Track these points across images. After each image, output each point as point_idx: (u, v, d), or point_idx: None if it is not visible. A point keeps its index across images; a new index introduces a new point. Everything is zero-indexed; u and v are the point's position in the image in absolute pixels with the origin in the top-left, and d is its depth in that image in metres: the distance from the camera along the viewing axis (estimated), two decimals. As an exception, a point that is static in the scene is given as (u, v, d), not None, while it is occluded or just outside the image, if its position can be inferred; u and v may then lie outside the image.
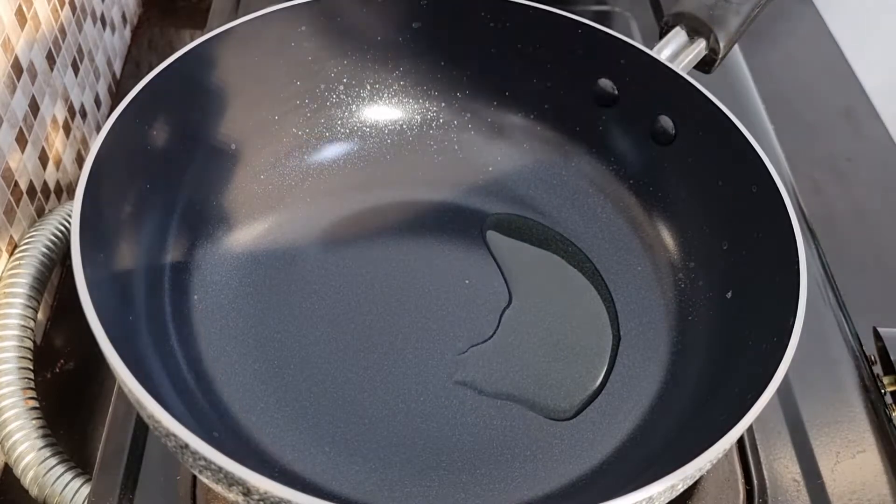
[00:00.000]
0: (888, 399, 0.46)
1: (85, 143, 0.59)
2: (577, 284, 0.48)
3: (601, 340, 0.45)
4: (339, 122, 0.52)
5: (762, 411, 0.33)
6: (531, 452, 0.41)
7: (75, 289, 0.33)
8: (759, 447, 0.43)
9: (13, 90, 0.47)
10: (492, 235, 0.50)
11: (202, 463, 0.30)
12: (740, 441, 0.43)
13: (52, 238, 0.48)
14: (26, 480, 0.42)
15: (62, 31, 0.55)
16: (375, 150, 0.52)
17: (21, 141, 0.48)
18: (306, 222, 0.49)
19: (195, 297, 0.44)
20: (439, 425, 0.41)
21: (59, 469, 0.42)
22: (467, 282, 0.47)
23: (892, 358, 0.45)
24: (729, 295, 0.43)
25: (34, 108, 0.50)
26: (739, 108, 0.51)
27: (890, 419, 0.45)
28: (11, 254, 0.47)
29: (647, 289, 0.47)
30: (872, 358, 0.47)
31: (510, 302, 0.47)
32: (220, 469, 0.30)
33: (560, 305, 0.47)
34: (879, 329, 0.46)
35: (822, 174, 0.63)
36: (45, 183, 0.52)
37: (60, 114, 0.54)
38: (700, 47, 0.49)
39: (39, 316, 0.49)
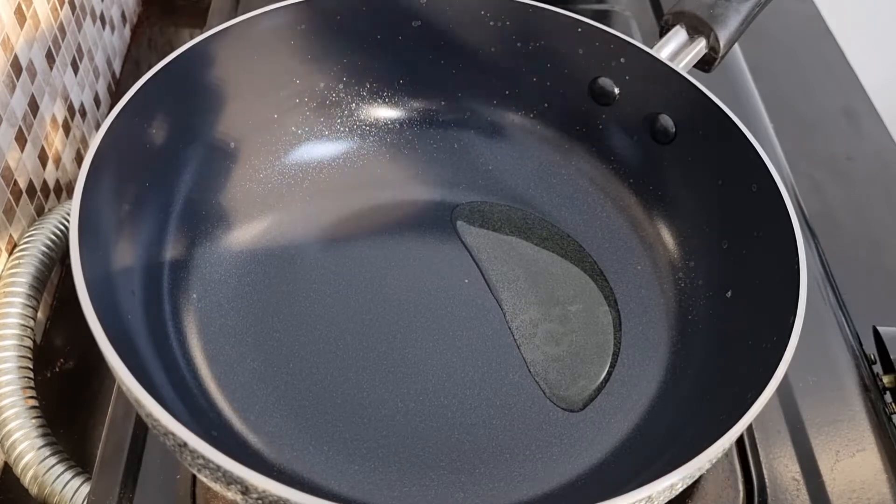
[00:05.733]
0: (888, 398, 0.46)
1: (84, 142, 0.59)
2: (578, 283, 0.48)
3: (601, 339, 0.45)
4: (339, 121, 0.52)
5: (762, 410, 0.33)
6: (530, 452, 0.41)
7: (75, 288, 0.33)
8: (758, 446, 0.43)
9: (12, 89, 0.47)
10: (491, 234, 0.50)
11: (201, 462, 0.30)
12: (740, 440, 0.43)
13: (52, 237, 0.48)
14: (26, 479, 0.42)
15: (62, 29, 0.55)
16: (375, 149, 0.52)
17: (20, 140, 0.48)
18: (305, 221, 0.49)
19: (194, 295, 0.44)
20: (438, 425, 0.41)
21: (59, 468, 0.42)
22: (467, 281, 0.47)
23: (891, 357, 0.45)
24: (729, 294, 0.43)
25: (33, 106, 0.50)
26: (739, 108, 0.50)
27: (889, 418, 0.45)
28: (11, 253, 0.47)
29: (647, 288, 0.47)
30: (872, 357, 0.47)
31: (510, 300, 0.47)
32: (219, 468, 0.30)
33: (560, 304, 0.47)
34: (879, 328, 0.46)
35: (822, 174, 0.63)
36: (44, 182, 0.52)
37: (60, 113, 0.54)
38: (700, 46, 0.49)
39: (39, 315, 0.49)
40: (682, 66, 0.48)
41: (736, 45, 0.61)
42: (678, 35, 0.49)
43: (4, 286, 0.45)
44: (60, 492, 0.41)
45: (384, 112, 0.53)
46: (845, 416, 0.44)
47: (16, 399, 0.43)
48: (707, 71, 0.50)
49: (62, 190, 0.55)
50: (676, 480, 0.31)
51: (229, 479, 0.30)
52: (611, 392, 0.43)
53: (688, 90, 0.46)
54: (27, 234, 0.48)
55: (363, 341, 0.44)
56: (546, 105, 0.52)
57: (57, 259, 0.48)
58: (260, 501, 0.30)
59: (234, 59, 0.46)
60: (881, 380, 0.46)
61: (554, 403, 0.43)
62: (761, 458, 0.42)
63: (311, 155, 0.51)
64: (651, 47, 0.48)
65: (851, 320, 0.50)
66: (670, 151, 0.48)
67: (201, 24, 0.65)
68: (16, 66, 0.48)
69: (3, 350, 0.44)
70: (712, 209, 0.46)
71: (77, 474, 0.42)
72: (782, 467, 0.42)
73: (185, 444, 0.30)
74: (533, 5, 0.49)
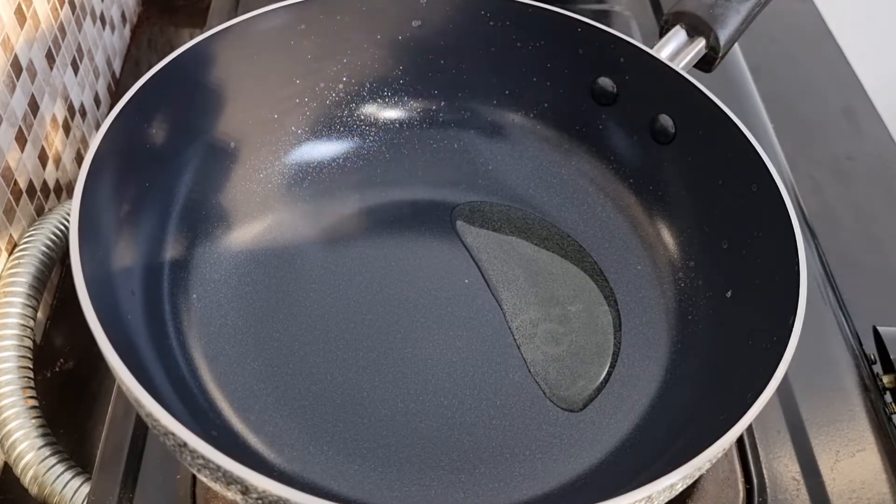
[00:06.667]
0: (888, 398, 0.46)
1: (84, 142, 0.59)
2: (578, 283, 0.48)
3: (601, 339, 0.45)
4: (339, 121, 0.52)
5: (762, 410, 0.33)
6: (530, 452, 0.41)
7: (75, 288, 0.33)
8: (758, 446, 0.43)
9: (13, 89, 0.47)
10: (491, 234, 0.50)
11: (200, 461, 0.30)
12: (740, 440, 0.43)
13: (52, 237, 0.48)
14: (26, 479, 0.42)
15: (62, 29, 0.55)
16: (375, 149, 0.52)
17: (20, 140, 0.48)
18: (305, 221, 0.49)
19: (194, 295, 0.44)
20: (439, 425, 0.41)
21: (59, 468, 0.42)
22: (467, 281, 0.47)
23: (891, 357, 0.45)
24: (729, 294, 0.43)
25: (34, 106, 0.50)
26: (739, 108, 0.51)
27: (889, 418, 0.45)
28: (11, 253, 0.47)
29: (647, 288, 0.47)
30: (872, 357, 0.47)
31: (510, 300, 0.47)
32: (219, 468, 0.30)
33: (560, 304, 0.47)
34: (879, 328, 0.46)
35: (822, 174, 0.63)
36: (44, 182, 0.52)
37: (60, 113, 0.54)
38: (700, 46, 0.49)
39: (39, 315, 0.49)
40: (682, 66, 0.48)
41: (736, 45, 0.61)
42: (678, 35, 0.49)
43: (4, 286, 0.45)
44: (60, 492, 0.41)
45: (384, 112, 0.53)
46: (845, 416, 0.44)
47: (16, 399, 0.43)
48: (707, 71, 0.50)
49: (62, 190, 0.55)
50: (676, 480, 0.31)
51: (229, 479, 0.30)
52: (611, 392, 0.43)
53: (688, 90, 0.46)
54: (27, 234, 0.48)
55: (363, 341, 0.44)
56: (546, 105, 0.52)
57: (57, 259, 0.48)
58: (260, 501, 0.30)
59: (233, 60, 0.46)
60: (881, 380, 0.46)
61: (554, 403, 0.43)
62: (761, 458, 0.42)
63: (311, 155, 0.51)
64: (651, 47, 0.48)
65: (851, 320, 0.50)
66: (670, 151, 0.48)
67: (201, 24, 0.65)
68: (16, 66, 0.48)
69: (3, 350, 0.44)
70: (712, 209, 0.46)
71: (77, 474, 0.42)
72: (782, 467, 0.42)
73: (185, 444, 0.30)
74: (533, 5, 0.49)
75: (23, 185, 0.49)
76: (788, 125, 0.64)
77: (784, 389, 0.45)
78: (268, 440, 0.40)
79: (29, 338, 0.45)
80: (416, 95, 0.53)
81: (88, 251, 0.35)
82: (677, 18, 0.49)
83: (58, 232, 0.48)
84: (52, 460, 0.42)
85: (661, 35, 0.49)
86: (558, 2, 0.50)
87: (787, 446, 0.43)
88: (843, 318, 0.49)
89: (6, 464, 0.44)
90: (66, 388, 0.50)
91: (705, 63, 0.50)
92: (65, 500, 0.41)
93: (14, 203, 0.48)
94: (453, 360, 0.44)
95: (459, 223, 0.50)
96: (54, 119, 0.53)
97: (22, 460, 0.42)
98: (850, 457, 0.43)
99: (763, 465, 0.42)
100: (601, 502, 0.29)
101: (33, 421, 0.43)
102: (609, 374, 0.44)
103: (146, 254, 0.42)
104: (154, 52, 0.71)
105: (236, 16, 0.47)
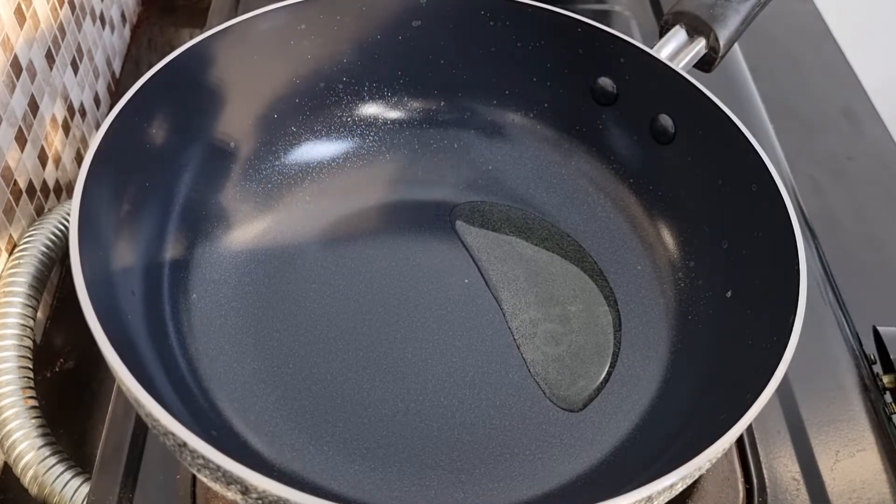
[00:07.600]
0: (888, 398, 0.46)
1: (84, 142, 0.59)
2: (578, 283, 0.48)
3: (601, 339, 0.45)
4: (339, 121, 0.52)
5: (762, 410, 0.33)
6: (530, 451, 0.41)
7: (75, 288, 0.33)
8: (758, 446, 0.43)
9: (12, 89, 0.47)
10: (491, 234, 0.50)
11: (200, 461, 0.30)
12: (740, 440, 0.43)
13: (52, 237, 0.48)
14: (26, 479, 0.42)
15: (61, 29, 0.55)
16: (375, 149, 0.52)
17: (20, 140, 0.48)
18: (305, 221, 0.49)
19: (194, 295, 0.44)
20: (438, 425, 0.41)
21: (59, 468, 0.42)
22: (467, 281, 0.47)
23: (891, 357, 0.45)
24: (729, 294, 0.43)
25: (33, 106, 0.50)
26: (739, 108, 0.51)
27: (889, 418, 0.45)
28: (11, 253, 0.47)
29: (646, 288, 0.47)
30: (872, 357, 0.47)
31: (510, 300, 0.47)
32: (219, 468, 0.30)
33: (560, 304, 0.47)
34: (879, 328, 0.46)
35: (822, 174, 0.63)
36: (44, 182, 0.52)
37: (60, 113, 0.54)
38: (700, 46, 0.49)
39: (39, 315, 0.49)
40: (682, 66, 0.48)
41: (736, 45, 0.61)
42: (678, 35, 0.49)
43: (4, 286, 0.45)
44: (60, 492, 0.41)
45: (384, 112, 0.53)
46: (845, 416, 0.44)
47: (16, 399, 0.43)
48: (707, 71, 0.50)
49: (62, 190, 0.55)
50: (676, 480, 0.31)
51: (229, 479, 0.30)
52: (611, 392, 0.43)
53: (688, 90, 0.46)
54: (27, 234, 0.48)
55: (363, 341, 0.44)
56: (546, 105, 0.52)
57: (57, 259, 0.48)
58: (260, 501, 0.30)
59: (233, 59, 0.46)
60: (881, 380, 0.46)
61: (554, 403, 0.43)
62: (761, 458, 0.42)
63: (311, 155, 0.51)
64: (651, 47, 0.48)
65: (851, 320, 0.50)
66: (670, 151, 0.48)
67: (201, 24, 0.65)
68: (16, 66, 0.48)
69: (3, 350, 0.44)
70: (712, 209, 0.46)
71: (77, 474, 0.42)
72: (782, 467, 0.42)
73: (185, 444, 0.30)
74: (533, 5, 0.49)
75: (23, 185, 0.49)
76: (788, 125, 0.64)
77: (784, 389, 0.45)
78: (268, 440, 0.40)
79: (29, 338, 0.45)
80: (416, 95, 0.53)
81: (88, 251, 0.35)
82: (677, 18, 0.49)
83: (58, 232, 0.48)
84: (52, 460, 0.42)
85: (661, 35, 0.49)
86: (558, 2, 0.50)
87: (787, 446, 0.43)
88: (843, 318, 0.49)
89: (6, 464, 0.44)
90: (66, 388, 0.50)
91: (705, 63, 0.50)
92: (65, 500, 0.41)
93: (14, 203, 0.48)
94: (453, 360, 0.44)
95: (459, 223, 0.50)
96: (54, 119, 0.53)
97: (22, 460, 0.42)
98: (850, 457, 0.43)
99: (763, 465, 0.42)
100: (601, 502, 0.29)
101: (33, 421, 0.43)
102: (609, 374, 0.44)
103: (146, 254, 0.42)
104: (154, 52, 0.71)
105: (236, 16, 0.47)
